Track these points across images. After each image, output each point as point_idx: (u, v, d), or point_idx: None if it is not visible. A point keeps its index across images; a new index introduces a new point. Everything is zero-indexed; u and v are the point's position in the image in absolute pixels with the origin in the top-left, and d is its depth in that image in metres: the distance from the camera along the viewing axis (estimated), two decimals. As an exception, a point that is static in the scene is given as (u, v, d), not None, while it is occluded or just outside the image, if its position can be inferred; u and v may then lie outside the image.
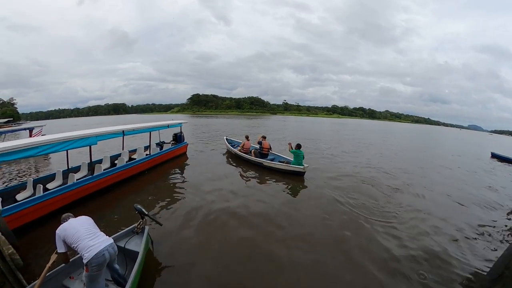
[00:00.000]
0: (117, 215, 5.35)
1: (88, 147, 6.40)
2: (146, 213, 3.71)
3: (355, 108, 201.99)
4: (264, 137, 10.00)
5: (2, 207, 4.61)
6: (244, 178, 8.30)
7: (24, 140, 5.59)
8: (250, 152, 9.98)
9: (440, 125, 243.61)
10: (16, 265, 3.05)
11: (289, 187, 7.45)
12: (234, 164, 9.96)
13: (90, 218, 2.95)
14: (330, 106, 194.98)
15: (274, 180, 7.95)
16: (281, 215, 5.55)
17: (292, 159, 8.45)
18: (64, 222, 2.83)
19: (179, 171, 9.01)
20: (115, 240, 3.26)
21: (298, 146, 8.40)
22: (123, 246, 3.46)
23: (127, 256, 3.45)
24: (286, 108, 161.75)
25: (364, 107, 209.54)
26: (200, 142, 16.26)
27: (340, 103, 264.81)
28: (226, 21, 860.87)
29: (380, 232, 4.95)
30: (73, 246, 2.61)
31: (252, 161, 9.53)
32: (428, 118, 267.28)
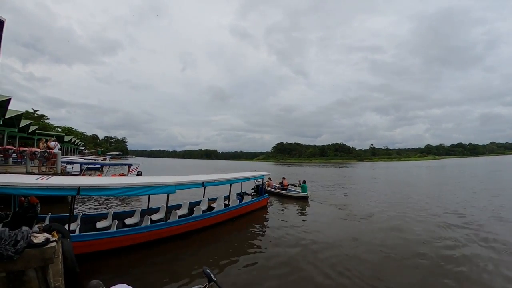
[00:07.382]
0: (180, 271, 5.01)
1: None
2: (214, 279, 3.11)
3: (452, 146, 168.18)
4: (284, 178, 16.45)
5: (83, 231, 5.20)
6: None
7: (110, 180, 6.38)
8: (275, 188, 15.66)
9: None
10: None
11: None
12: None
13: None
14: (423, 147, 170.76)
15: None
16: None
17: (301, 190, 14.19)
18: None
19: (252, 228, 8.37)
20: None
21: (304, 182, 14.62)
22: None
23: None
24: (374, 153, 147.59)
25: (463, 142, 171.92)
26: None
27: (435, 142, 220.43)
28: (304, 74, 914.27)
29: None
30: None
31: (277, 193, 14.92)
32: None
